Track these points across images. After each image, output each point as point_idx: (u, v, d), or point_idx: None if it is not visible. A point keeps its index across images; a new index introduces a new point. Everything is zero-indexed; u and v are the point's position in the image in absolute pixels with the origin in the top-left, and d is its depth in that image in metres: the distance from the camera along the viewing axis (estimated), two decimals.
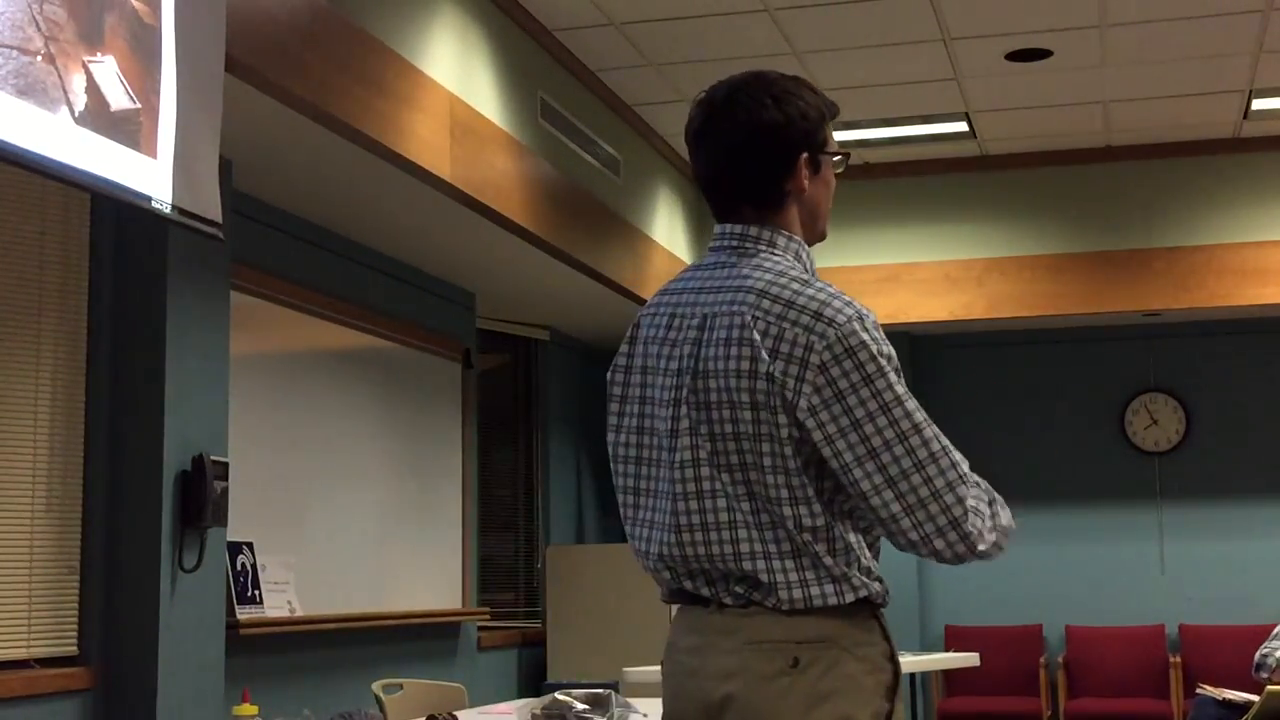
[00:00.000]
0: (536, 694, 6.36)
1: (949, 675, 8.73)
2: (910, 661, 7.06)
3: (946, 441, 1.96)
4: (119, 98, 3.54)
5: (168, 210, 3.73)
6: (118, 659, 4.45)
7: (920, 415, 1.95)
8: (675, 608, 2.12)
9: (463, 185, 5.47)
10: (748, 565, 1.97)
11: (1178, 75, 7.17)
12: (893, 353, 1.98)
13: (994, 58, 6.88)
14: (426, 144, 5.21)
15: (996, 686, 8.62)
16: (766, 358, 1.96)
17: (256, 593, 5.30)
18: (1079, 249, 8.39)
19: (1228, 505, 8.83)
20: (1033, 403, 9.13)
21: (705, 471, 2.01)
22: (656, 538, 2.06)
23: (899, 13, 6.30)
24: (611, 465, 2.17)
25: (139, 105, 3.62)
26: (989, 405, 9.19)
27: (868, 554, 2.01)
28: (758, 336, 1.97)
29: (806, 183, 2.10)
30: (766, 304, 1.99)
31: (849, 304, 1.98)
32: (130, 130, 3.57)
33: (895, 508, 1.93)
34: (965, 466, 1.98)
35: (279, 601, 5.43)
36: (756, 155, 2.08)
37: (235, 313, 5.01)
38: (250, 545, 5.33)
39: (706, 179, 2.14)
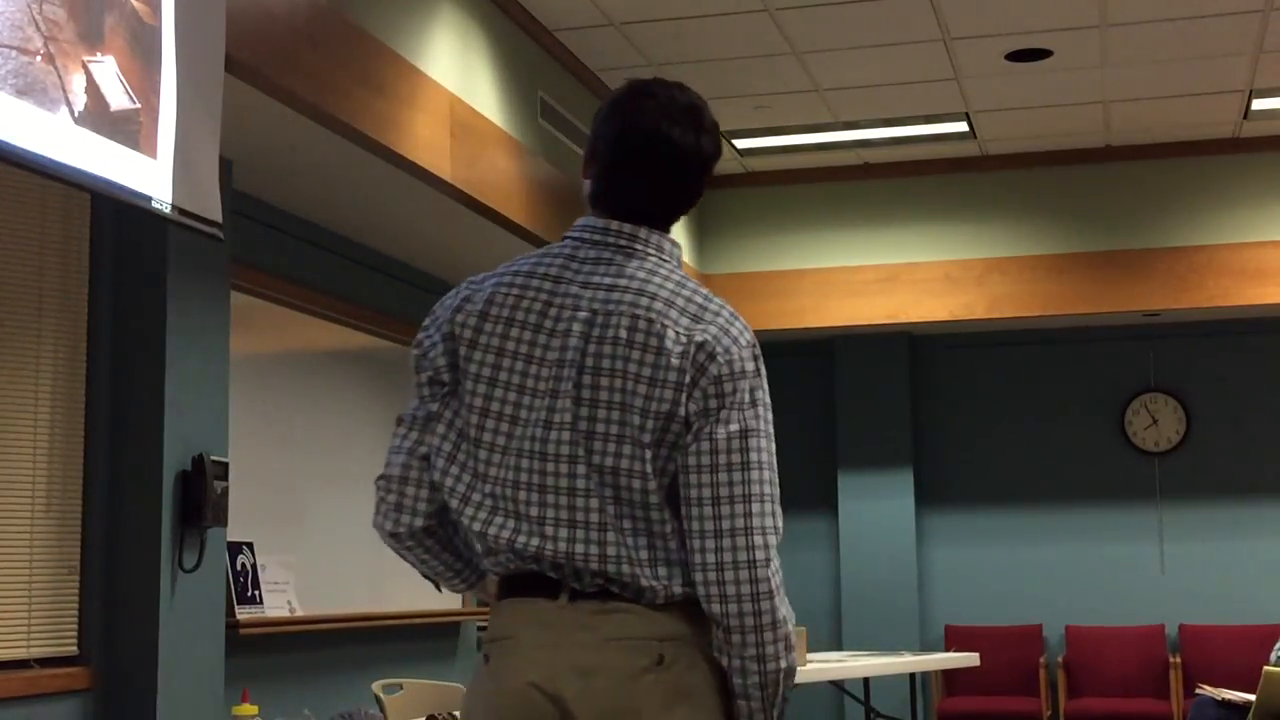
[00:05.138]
0: None
1: (949, 675, 8.73)
2: (910, 661, 7.06)
3: (777, 491, 2.02)
4: (119, 98, 3.54)
5: (168, 210, 3.73)
6: (118, 659, 4.45)
7: (771, 458, 2.02)
8: (507, 600, 2.07)
9: (463, 185, 5.47)
10: (611, 568, 1.99)
11: (1178, 75, 7.17)
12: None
13: (994, 58, 6.88)
14: (426, 144, 5.21)
15: (996, 686, 8.62)
16: (677, 364, 1.99)
17: (256, 593, 5.30)
18: (1079, 249, 8.39)
19: (1228, 505, 8.83)
20: (1033, 403, 9.13)
21: (580, 469, 2.00)
22: (509, 525, 2.03)
23: (899, 13, 6.30)
24: (436, 435, 2.08)
25: (139, 105, 3.62)
26: (989, 405, 9.19)
27: None
28: (669, 344, 2.00)
29: None
30: (674, 314, 2.03)
31: (747, 326, 2.07)
32: (130, 130, 3.58)
33: (751, 523, 1.97)
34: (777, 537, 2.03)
35: (279, 601, 5.43)
36: (703, 182, 2.17)
37: (235, 313, 5.01)
38: (250, 545, 5.33)
39: (656, 188, 2.14)
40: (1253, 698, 5.65)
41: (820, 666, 6.15)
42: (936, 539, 9.17)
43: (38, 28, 3.26)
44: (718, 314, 2.05)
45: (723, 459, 1.98)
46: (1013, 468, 9.11)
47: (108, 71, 3.50)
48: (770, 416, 2.04)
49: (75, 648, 4.39)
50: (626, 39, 6.56)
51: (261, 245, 5.55)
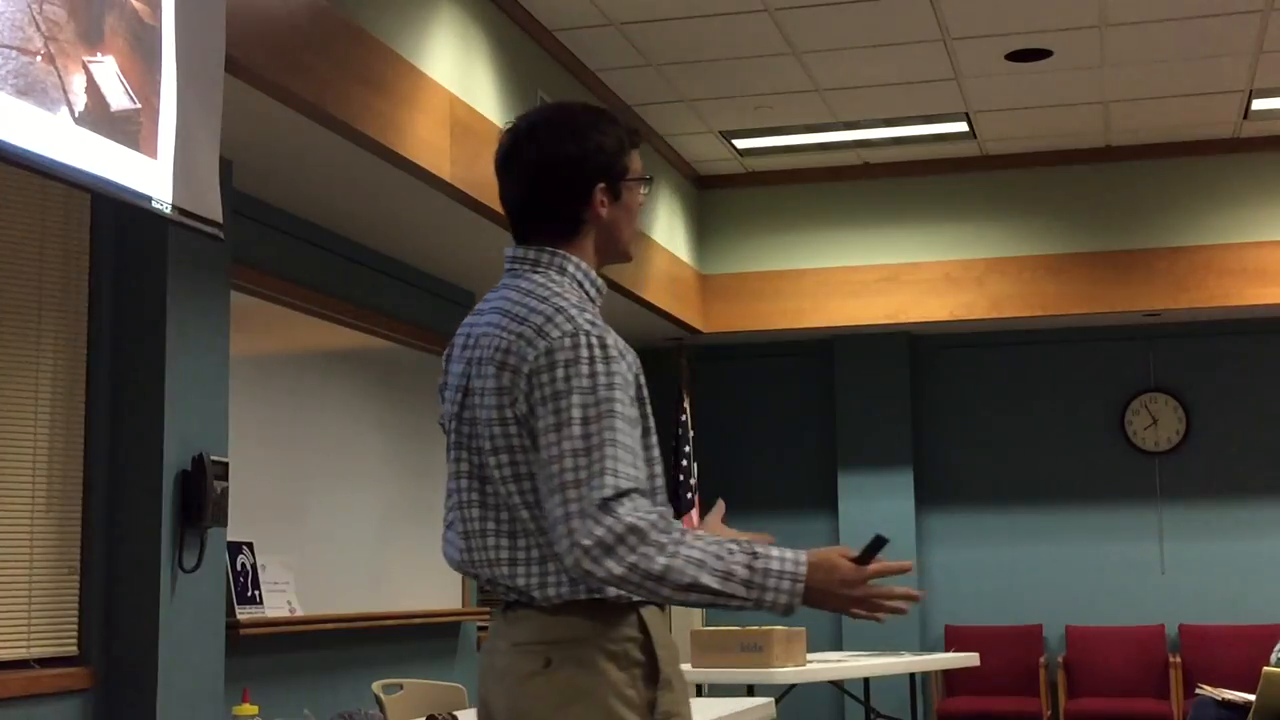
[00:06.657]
0: None
1: (949, 675, 8.73)
2: (910, 661, 7.06)
3: (618, 474, 1.96)
4: (119, 98, 3.54)
5: (168, 210, 3.73)
6: (118, 659, 4.45)
7: (596, 438, 1.98)
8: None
9: (462, 185, 5.47)
10: (500, 571, 2.11)
11: (1178, 75, 7.18)
12: (610, 369, 2.03)
13: (994, 58, 6.88)
14: (426, 144, 5.21)
15: (996, 686, 8.62)
16: (495, 372, 2.10)
17: (256, 593, 5.30)
18: (1079, 249, 8.39)
19: (1228, 505, 8.83)
20: (1033, 403, 9.13)
21: (465, 483, 2.15)
22: (448, 540, 2.23)
23: (899, 13, 6.30)
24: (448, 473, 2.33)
25: (139, 105, 3.62)
26: (990, 405, 9.18)
27: None
28: (499, 355, 2.10)
29: (604, 210, 2.22)
30: (506, 321, 2.13)
31: (571, 320, 2.07)
32: (130, 130, 3.58)
33: (557, 513, 1.97)
34: (627, 499, 1.96)
35: (279, 601, 5.43)
36: (552, 185, 2.20)
37: (235, 313, 5.01)
38: (250, 545, 5.33)
39: (509, 205, 2.26)
40: (1253, 698, 5.65)
41: (820, 666, 6.14)
42: (936, 539, 9.17)
43: (38, 28, 3.26)
44: (534, 314, 2.10)
45: (554, 450, 2.00)
46: (1013, 468, 9.11)
47: (108, 71, 3.50)
48: (590, 398, 2.00)
49: (75, 648, 4.39)
50: (626, 39, 6.56)
51: (261, 245, 5.55)
